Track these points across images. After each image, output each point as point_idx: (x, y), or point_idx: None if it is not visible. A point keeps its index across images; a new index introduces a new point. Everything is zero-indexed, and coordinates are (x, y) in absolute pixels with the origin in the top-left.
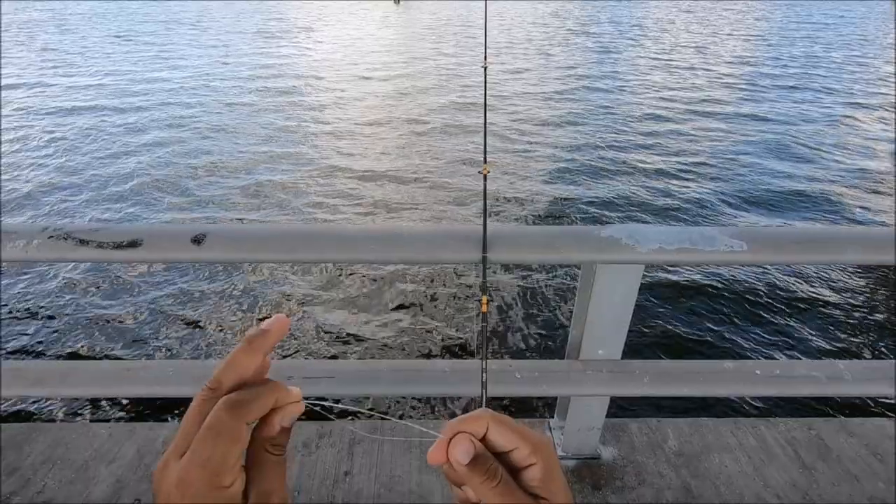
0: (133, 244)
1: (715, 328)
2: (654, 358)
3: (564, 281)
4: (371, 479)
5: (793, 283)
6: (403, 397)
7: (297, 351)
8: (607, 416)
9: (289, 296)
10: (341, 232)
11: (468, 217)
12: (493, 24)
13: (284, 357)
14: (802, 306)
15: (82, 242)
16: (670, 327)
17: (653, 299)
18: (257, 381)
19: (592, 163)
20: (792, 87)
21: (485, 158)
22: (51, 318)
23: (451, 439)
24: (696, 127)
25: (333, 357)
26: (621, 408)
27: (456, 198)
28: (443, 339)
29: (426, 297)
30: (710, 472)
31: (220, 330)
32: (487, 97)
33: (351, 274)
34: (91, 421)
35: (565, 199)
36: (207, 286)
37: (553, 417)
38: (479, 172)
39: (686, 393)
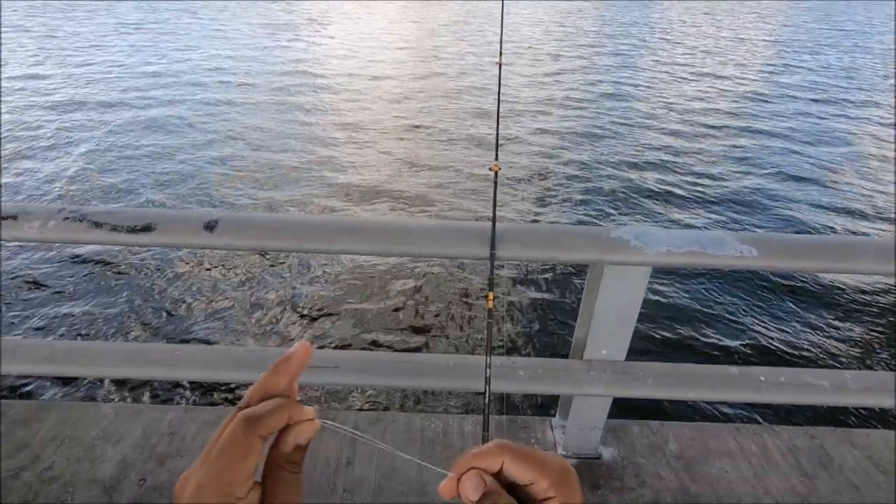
0: (146, 228)
1: (719, 334)
2: (657, 361)
3: (571, 280)
4: (372, 469)
5: (801, 291)
6: (407, 390)
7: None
8: (609, 417)
9: (295, 286)
10: (350, 224)
11: (477, 214)
12: (509, 20)
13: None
14: (810, 314)
15: (96, 225)
16: (675, 331)
17: (659, 302)
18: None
19: (604, 166)
20: (815, 99)
21: (496, 156)
22: (60, 296)
23: (462, 475)
24: (712, 136)
25: (338, 347)
26: (625, 409)
27: (465, 195)
28: (448, 334)
29: (433, 291)
30: (709, 476)
31: (229, 317)
32: (501, 96)
33: (359, 266)
34: (98, 401)
35: (575, 201)
36: (219, 273)
37: (555, 416)
38: (490, 170)
39: (690, 397)
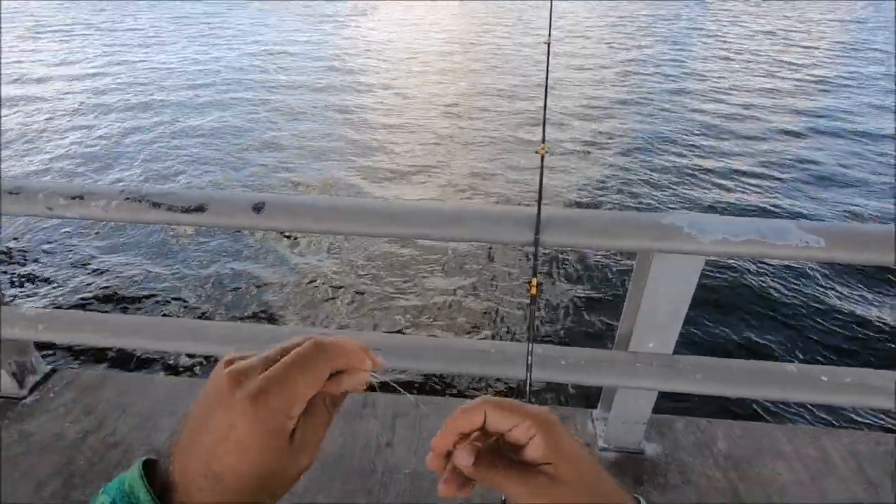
0: (199, 209)
1: (775, 332)
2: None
3: (619, 268)
4: (411, 453)
5: (871, 285)
6: (446, 375)
7: (346, 326)
8: (652, 412)
9: (337, 268)
10: (393, 207)
11: (522, 199)
12: (560, 7)
13: (340, 328)
14: (879, 310)
15: (155, 205)
16: (724, 326)
17: (709, 293)
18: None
19: (654, 153)
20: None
21: (543, 138)
22: (122, 274)
23: (454, 446)
24: (771, 128)
25: (380, 331)
26: (671, 402)
27: (510, 179)
28: (489, 321)
29: (475, 277)
30: (761, 478)
31: (275, 297)
32: (549, 78)
33: (402, 248)
34: (160, 373)
35: (624, 187)
36: (266, 255)
37: (596, 408)
38: (536, 153)
39: (742, 394)
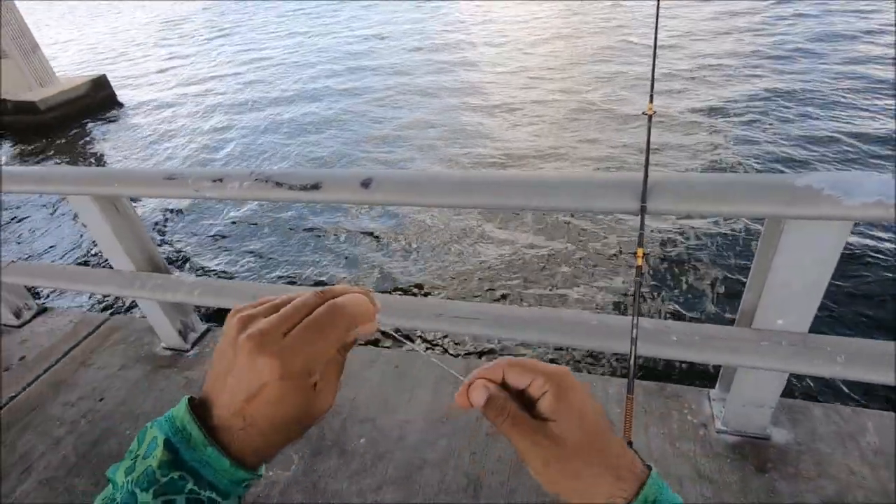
0: (315, 186)
1: None
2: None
3: (738, 237)
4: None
5: None
6: (548, 346)
7: (447, 295)
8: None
9: (445, 239)
10: (494, 178)
11: (627, 163)
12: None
13: (442, 297)
14: None
15: (278, 185)
16: (860, 302)
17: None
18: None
19: (781, 109)
20: None
21: (651, 97)
22: (258, 253)
23: (470, 384)
24: None
25: (480, 299)
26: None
27: (615, 142)
28: (593, 292)
29: (578, 247)
30: None
31: (376, 266)
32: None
33: (503, 221)
34: None
35: (743, 152)
36: (374, 225)
37: (714, 388)
38: (643, 114)
39: None
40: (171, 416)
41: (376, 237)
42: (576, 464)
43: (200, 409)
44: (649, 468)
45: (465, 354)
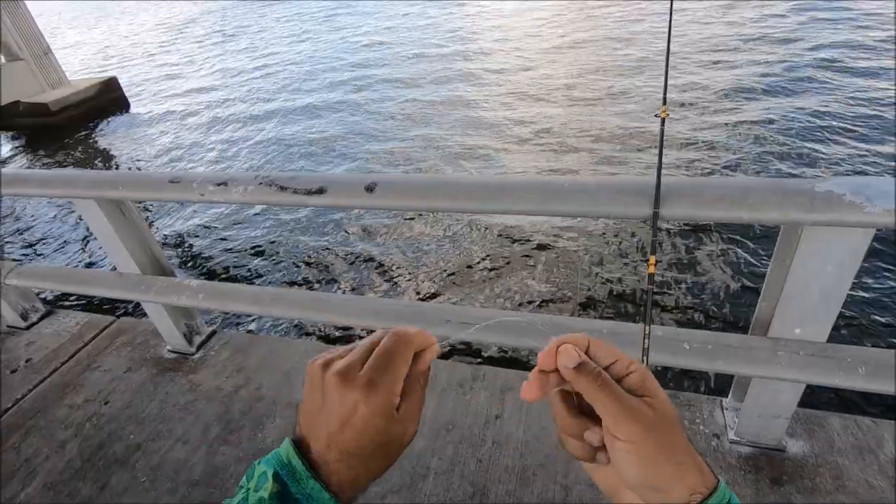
0: (320, 191)
1: None
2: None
3: (751, 244)
4: (520, 426)
5: None
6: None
7: (460, 299)
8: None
9: (445, 245)
10: (502, 183)
11: (639, 169)
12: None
13: (454, 303)
14: None
15: (282, 189)
16: (880, 309)
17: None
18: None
19: (798, 117)
20: None
21: (664, 99)
22: (261, 254)
23: (557, 348)
24: None
25: (488, 307)
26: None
27: (628, 146)
28: (604, 299)
29: (589, 253)
30: None
31: (390, 271)
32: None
33: (512, 226)
34: (294, 338)
35: (761, 156)
36: (382, 231)
37: (727, 397)
38: (656, 115)
39: None
40: (276, 453)
41: (379, 237)
42: (673, 439)
43: (300, 447)
44: (718, 480)
45: (479, 363)
